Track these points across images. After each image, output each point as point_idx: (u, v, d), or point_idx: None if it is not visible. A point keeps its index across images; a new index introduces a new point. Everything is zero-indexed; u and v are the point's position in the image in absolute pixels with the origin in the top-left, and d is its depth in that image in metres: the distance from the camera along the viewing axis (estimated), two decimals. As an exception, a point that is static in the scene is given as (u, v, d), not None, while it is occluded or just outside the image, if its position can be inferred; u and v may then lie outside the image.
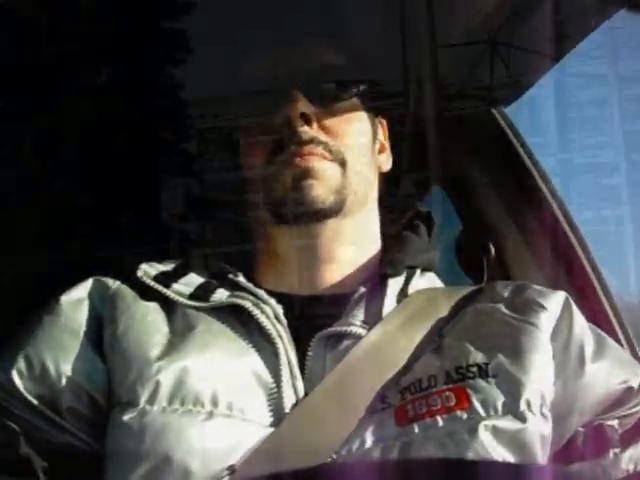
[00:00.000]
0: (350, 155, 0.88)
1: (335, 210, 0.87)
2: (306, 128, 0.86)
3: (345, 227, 0.89)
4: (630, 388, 0.82)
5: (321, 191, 0.85)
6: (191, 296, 0.85)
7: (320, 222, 0.87)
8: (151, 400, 0.74)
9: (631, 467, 0.80)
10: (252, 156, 0.90)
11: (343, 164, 0.87)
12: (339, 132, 0.89)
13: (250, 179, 0.91)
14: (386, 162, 0.98)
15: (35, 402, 0.78)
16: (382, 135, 0.98)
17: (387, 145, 0.99)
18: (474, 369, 0.77)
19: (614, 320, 1.18)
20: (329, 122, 0.89)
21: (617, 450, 0.81)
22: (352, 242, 0.90)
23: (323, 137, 0.87)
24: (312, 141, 0.86)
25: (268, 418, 0.75)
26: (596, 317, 1.04)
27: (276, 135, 0.87)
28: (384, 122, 0.99)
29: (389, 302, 0.85)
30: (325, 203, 0.86)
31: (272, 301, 0.84)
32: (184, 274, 0.88)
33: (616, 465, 0.80)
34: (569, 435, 0.80)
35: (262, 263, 0.93)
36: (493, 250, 1.14)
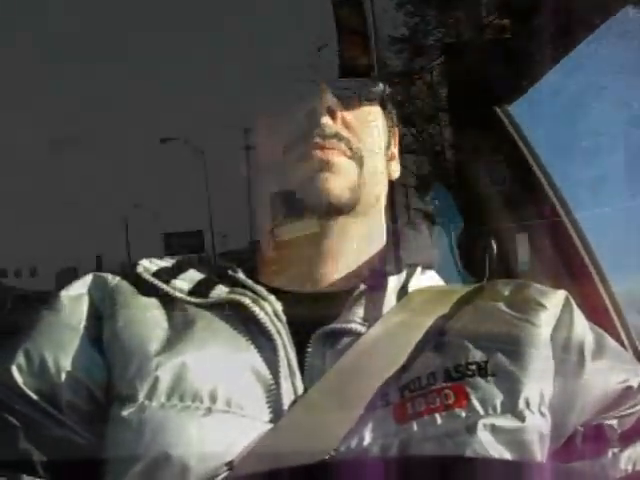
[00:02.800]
0: (368, 155, 0.88)
1: (348, 207, 0.86)
2: (330, 122, 0.86)
3: (353, 226, 0.89)
4: (629, 388, 0.82)
5: (337, 186, 0.85)
6: (190, 292, 0.85)
7: (331, 218, 0.87)
8: (150, 395, 0.74)
9: (630, 467, 0.80)
10: (269, 144, 0.90)
11: (361, 163, 0.87)
12: (360, 131, 0.89)
13: (264, 168, 0.90)
14: (395, 170, 0.98)
15: (34, 397, 0.78)
16: (393, 144, 0.98)
17: (397, 154, 0.99)
18: (473, 367, 0.76)
19: (616, 319, 1.18)
20: (351, 120, 0.89)
21: (616, 450, 0.81)
22: (357, 241, 0.90)
23: (345, 133, 0.87)
24: (335, 136, 0.86)
25: (267, 415, 0.76)
26: (598, 316, 1.03)
27: (298, 126, 0.87)
28: (396, 131, 0.99)
29: (389, 300, 0.85)
30: (340, 199, 0.85)
31: (271, 298, 0.84)
32: (184, 270, 0.88)
33: (615, 465, 0.80)
34: (568, 434, 0.80)
35: (263, 259, 0.93)
36: (495, 248, 1.14)
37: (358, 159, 0.87)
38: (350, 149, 0.87)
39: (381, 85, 0.92)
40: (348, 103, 0.89)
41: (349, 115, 0.89)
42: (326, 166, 0.85)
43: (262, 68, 0.94)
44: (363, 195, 0.88)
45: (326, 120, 0.86)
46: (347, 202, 0.86)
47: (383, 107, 0.93)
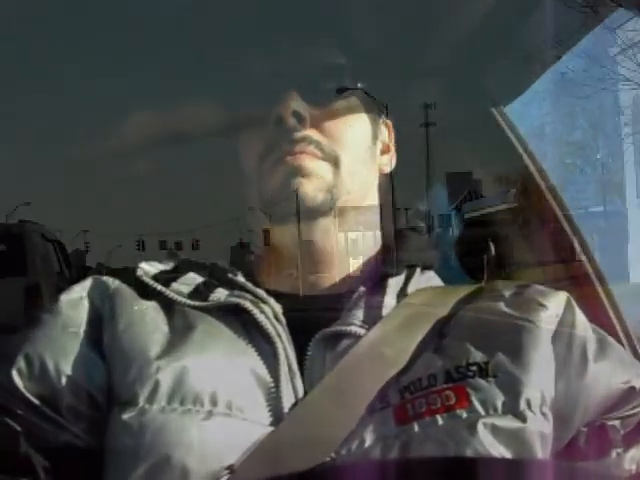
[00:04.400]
0: (345, 155, 0.88)
1: (325, 209, 0.87)
2: (298, 126, 0.86)
3: (339, 226, 0.88)
4: (632, 388, 0.81)
5: (310, 189, 0.85)
6: (190, 295, 0.85)
7: (311, 220, 0.87)
8: (150, 399, 0.74)
9: (633, 467, 0.80)
10: (248, 154, 0.90)
11: (336, 163, 0.87)
12: (335, 132, 0.88)
13: (247, 177, 0.91)
14: (389, 163, 0.97)
15: (35, 401, 0.78)
16: (386, 136, 0.97)
17: (392, 146, 0.98)
18: (474, 368, 0.76)
19: (615, 320, 1.18)
20: (325, 121, 0.88)
21: (619, 450, 0.80)
22: (348, 242, 0.90)
23: (316, 136, 0.87)
24: (304, 139, 0.86)
25: (267, 417, 0.75)
26: (597, 317, 1.03)
27: (270, 133, 0.87)
28: (389, 123, 0.98)
29: (389, 301, 0.85)
30: (314, 201, 0.85)
31: (271, 300, 0.83)
32: (183, 273, 0.88)
33: (618, 465, 0.80)
34: (571, 435, 0.80)
35: (262, 262, 0.93)
36: (493, 248, 1.14)
37: (332, 159, 0.87)
38: (321, 150, 0.86)
39: (354, 82, 0.91)
40: (320, 104, 0.88)
41: (321, 117, 0.88)
42: (297, 171, 0.85)
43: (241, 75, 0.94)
44: (343, 194, 0.87)
45: (293, 125, 0.86)
46: (322, 204, 0.86)
47: (362, 102, 0.92)
